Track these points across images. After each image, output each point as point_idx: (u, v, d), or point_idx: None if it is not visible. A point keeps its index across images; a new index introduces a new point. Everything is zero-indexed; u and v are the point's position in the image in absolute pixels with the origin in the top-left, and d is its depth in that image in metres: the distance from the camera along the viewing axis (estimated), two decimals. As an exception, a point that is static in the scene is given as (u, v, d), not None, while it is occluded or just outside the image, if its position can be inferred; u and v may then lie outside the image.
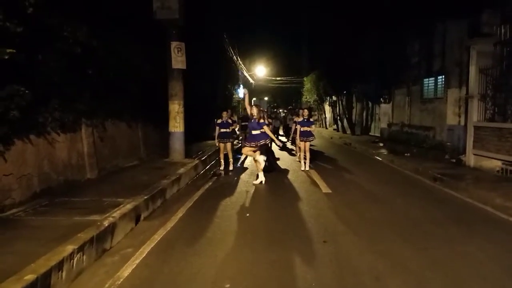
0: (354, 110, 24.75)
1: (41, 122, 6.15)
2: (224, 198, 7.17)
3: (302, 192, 7.71)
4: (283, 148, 16.21)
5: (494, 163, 9.12)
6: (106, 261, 4.18)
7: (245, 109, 9.63)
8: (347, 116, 24.87)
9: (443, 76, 13.27)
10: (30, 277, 3.09)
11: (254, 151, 8.61)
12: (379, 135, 20.12)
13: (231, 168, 10.55)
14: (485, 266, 4.10)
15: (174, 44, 10.22)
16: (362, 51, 19.12)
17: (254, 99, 47.31)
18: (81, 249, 3.85)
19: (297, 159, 11.78)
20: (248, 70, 36.12)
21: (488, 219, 5.94)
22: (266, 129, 8.57)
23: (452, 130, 12.39)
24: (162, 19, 9.94)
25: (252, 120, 8.62)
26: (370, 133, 22.33)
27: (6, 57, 4.85)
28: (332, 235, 5.07)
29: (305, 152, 10.45)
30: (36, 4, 5.30)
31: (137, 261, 4.15)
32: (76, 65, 6.81)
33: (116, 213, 4.97)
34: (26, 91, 5.28)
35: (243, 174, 9.84)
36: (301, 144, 10.64)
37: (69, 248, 3.71)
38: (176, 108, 10.48)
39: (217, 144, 10.76)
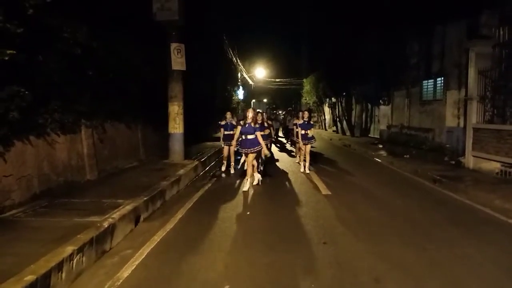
0: (353, 112, 24.78)
1: (41, 123, 6.15)
2: (223, 200, 7.17)
3: (302, 194, 7.72)
4: (283, 149, 16.24)
5: (493, 165, 9.13)
6: (105, 262, 4.18)
7: (243, 110, 9.55)
8: (346, 117, 24.90)
9: (442, 78, 13.29)
10: (30, 278, 3.09)
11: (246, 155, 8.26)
12: (378, 137, 20.13)
13: (232, 171, 10.29)
14: (484, 267, 4.11)
15: (173, 46, 10.23)
16: (361, 53, 19.15)
17: (253, 101, 47.37)
18: (80, 250, 3.85)
19: (297, 161, 11.67)
20: (248, 72, 36.19)
21: (487, 221, 5.95)
22: (258, 135, 8.02)
23: (451, 132, 12.41)
24: (162, 20, 9.96)
25: (247, 125, 8.05)
26: (369, 135, 22.35)
27: (6, 58, 4.85)
28: (332, 236, 5.08)
29: (305, 155, 10.38)
30: (36, 5, 5.31)
31: (137, 263, 4.15)
32: (76, 66, 6.81)
33: (116, 214, 4.97)
34: (26, 92, 5.29)
35: (243, 176, 9.83)
36: (302, 147, 10.52)
37: (69, 249, 3.71)
38: (175, 110, 10.49)
39: (222, 145, 10.69)
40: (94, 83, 7.51)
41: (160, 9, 9.86)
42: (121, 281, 3.70)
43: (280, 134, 21.79)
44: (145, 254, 4.41)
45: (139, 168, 9.15)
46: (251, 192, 7.83)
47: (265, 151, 8.32)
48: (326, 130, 32.17)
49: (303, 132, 10.26)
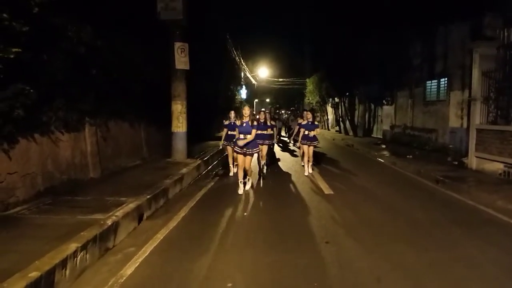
0: (356, 112, 24.77)
1: (45, 121, 6.20)
2: (226, 198, 7.20)
3: (304, 193, 7.73)
4: (285, 149, 16.25)
5: (496, 166, 9.12)
6: (109, 259, 4.21)
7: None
8: (349, 117, 24.89)
9: (446, 79, 13.27)
10: (34, 275, 3.12)
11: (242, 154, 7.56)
12: (381, 137, 20.12)
13: (235, 170, 9.66)
14: (486, 268, 4.11)
15: (177, 45, 10.26)
16: (364, 53, 19.15)
17: (256, 100, 47.38)
18: (84, 247, 3.88)
19: (302, 163, 10.60)
20: (251, 71, 36.21)
21: (490, 221, 5.94)
22: (253, 132, 7.40)
23: (454, 133, 12.39)
24: (166, 19, 10.00)
25: (244, 124, 7.46)
26: (372, 135, 22.34)
27: (12, 56, 4.89)
28: (334, 236, 5.09)
29: (308, 156, 9.94)
30: (41, 4, 5.35)
31: (140, 260, 4.18)
32: (80, 65, 6.85)
33: (119, 212, 5.00)
34: (31, 90, 5.33)
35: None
36: (305, 148, 9.92)
37: (73, 246, 3.75)
38: (179, 108, 10.52)
39: (220, 146, 10.21)
40: (98, 82, 7.55)
41: (164, 9, 9.90)
42: (124, 278, 3.73)
43: (283, 133, 21.79)
44: (148, 251, 4.44)
45: (142, 167, 9.18)
46: (254, 191, 7.84)
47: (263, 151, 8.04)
48: (329, 130, 32.16)
49: (306, 132, 9.73)
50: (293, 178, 9.52)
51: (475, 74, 9.94)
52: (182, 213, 6.11)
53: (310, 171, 9.97)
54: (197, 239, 4.89)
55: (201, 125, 15.43)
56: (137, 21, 9.24)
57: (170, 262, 4.17)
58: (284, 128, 22.17)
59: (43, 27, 5.64)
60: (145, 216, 5.73)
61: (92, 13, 7.12)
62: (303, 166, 10.27)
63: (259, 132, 8.58)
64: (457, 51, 12.37)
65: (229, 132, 9.47)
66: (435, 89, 14.22)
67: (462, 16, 11.55)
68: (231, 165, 9.74)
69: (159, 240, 4.83)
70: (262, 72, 40.43)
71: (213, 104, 18.45)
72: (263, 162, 9.82)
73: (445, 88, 13.35)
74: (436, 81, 14.12)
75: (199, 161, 10.26)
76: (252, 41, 34.20)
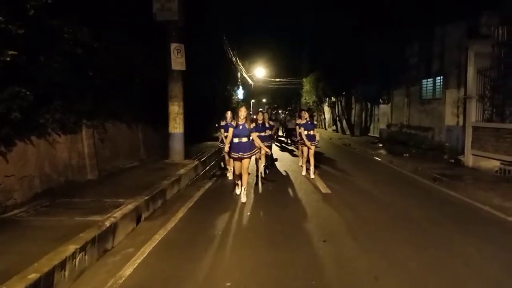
0: (353, 111, 24.82)
1: (42, 123, 6.20)
2: (224, 199, 7.21)
3: (302, 193, 7.76)
4: (284, 149, 16.27)
5: (492, 163, 9.17)
6: (107, 260, 4.22)
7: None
8: (346, 117, 24.94)
9: (442, 77, 13.34)
10: (33, 276, 3.13)
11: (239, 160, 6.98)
12: (378, 136, 20.18)
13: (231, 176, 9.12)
14: (483, 265, 4.15)
15: (173, 46, 10.27)
16: (361, 52, 19.20)
17: (253, 101, 47.38)
18: (83, 249, 3.89)
19: (300, 164, 10.47)
20: (248, 71, 36.22)
21: (487, 219, 5.98)
22: (254, 136, 7.08)
23: (450, 131, 12.45)
24: (162, 20, 10.00)
25: (240, 126, 6.93)
26: (369, 134, 22.40)
27: (8, 59, 4.89)
28: (332, 235, 5.12)
29: (308, 157, 9.45)
30: (37, 6, 5.35)
31: (138, 261, 4.19)
32: (77, 66, 6.86)
33: (117, 214, 5.01)
34: (28, 93, 5.33)
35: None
36: (305, 149, 9.53)
37: (71, 248, 3.75)
38: (176, 109, 10.53)
39: (226, 149, 9.68)
40: (95, 83, 7.55)
41: (160, 9, 9.91)
42: (123, 279, 3.74)
43: (280, 133, 21.81)
44: (147, 252, 4.44)
45: (139, 168, 9.18)
46: (251, 191, 7.85)
47: (264, 148, 7.51)
48: (326, 129, 32.20)
49: (306, 132, 9.31)
50: (291, 177, 9.54)
51: (471, 72, 9.99)
52: (180, 214, 6.12)
53: (313, 176, 9.30)
54: (195, 240, 4.90)
55: (199, 126, 15.44)
56: (134, 21, 9.24)
57: (168, 263, 4.19)
58: (281, 128, 22.19)
59: (39, 29, 5.64)
60: (143, 217, 5.74)
61: (89, 14, 7.12)
62: (301, 166, 10.03)
63: (257, 134, 8.31)
64: (453, 49, 12.43)
65: (225, 134, 8.64)
66: (431, 88, 14.28)
67: (458, 15, 11.62)
68: (228, 167, 9.19)
69: (157, 241, 4.83)
70: (259, 72, 40.48)
71: (210, 105, 18.45)
72: (262, 164, 9.45)
73: (441, 86, 13.42)
74: (432, 79, 14.19)
75: (196, 162, 10.27)
76: (248, 41, 34.22)
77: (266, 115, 10.36)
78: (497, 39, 9.36)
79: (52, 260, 3.46)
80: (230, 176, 9.04)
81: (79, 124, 7.35)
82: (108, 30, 7.83)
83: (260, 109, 11.85)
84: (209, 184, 8.68)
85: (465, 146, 10.23)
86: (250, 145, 6.97)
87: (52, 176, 6.43)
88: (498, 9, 9.75)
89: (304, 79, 33.61)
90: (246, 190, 7.01)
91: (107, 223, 4.59)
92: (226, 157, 9.06)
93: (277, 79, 38.97)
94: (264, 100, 53.14)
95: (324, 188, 8.08)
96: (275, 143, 17.27)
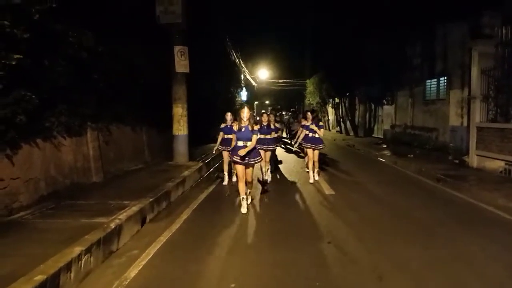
0: (357, 112, 24.80)
1: (48, 126, 6.24)
2: (228, 201, 7.24)
3: (305, 194, 7.77)
4: (288, 150, 16.27)
5: (497, 164, 9.14)
6: (113, 262, 4.25)
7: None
8: (350, 118, 24.92)
9: (445, 78, 13.30)
10: (39, 278, 3.16)
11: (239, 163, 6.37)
12: (382, 136, 20.13)
13: (235, 179, 8.71)
14: (487, 266, 4.14)
15: (177, 48, 10.31)
16: (364, 53, 19.19)
17: (256, 102, 47.41)
18: (88, 250, 3.92)
19: (306, 170, 9.67)
20: (251, 73, 36.25)
21: (491, 219, 5.97)
22: (253, 138, 6.33)
23: (455, 131, 12.41)
24: (166, 23, 10.05)
25: (243, 128, 6.33)
26: (373, 135, 22.36)
27: (14, 63, 4.95)
28: (335, 235, 5.12)
29: (313, 161, 8.94)
30: (42, 10, 5.40)
31: (143, 263, 4.21)
32: (81, 70, 6.91)
33: (122, 216, 5.04)
34: (33, 96, 5.38)
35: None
36: (310, 152, 8.98)
37: (77, 249, 3.78)
38: (179, 112, 10.57)
39: (214, 151, 9.20)
40: (99, 87, 7.60)
41: (164, 12, 9.96)
42: (128, 280, 3.77)
43: (284, 135, 21.81)
44: (152, 254, 4.47)
45: (144, 170, 9.22)
46: (255, 193, 7.84)
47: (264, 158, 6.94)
48: (329, 130, 32.17)
49: (310, 135, 8.86)
50: (294, 179, 9.54)
51: (474, 72, 9.97)
52: (185, 216, 6.14)
53: (316, 177, 9.04)
54: (200, 241, 4.92)
55: (202, 128, 15.46)
56: (138, 25, 9.30)
57: (173, 264, 4.21)
58: (285, 130, 22.19)
59: (44, 33, 5.70)
60: (148, 219, 5.77)
61: (93, 18, 7.18)
62: (307, 172, 9.30)
63: (262, 136, 8.27)
64: (456, 50, 12.39)
65: (225, 136, 8.50)
66: (435, 88, 14.24)
67: (461, 15, 11.59)
68: (225, 173, 8.85)
69: (162, 243, 4.86)
70: (262, 73, 40.49)
71: (213, 107, 18.48)
72: (266, 168, 9.04)
73: (445, 87, 13.37)
74: (435, 80, 14.15)
75: (200, 164, 10.30)
76: (252, 43, 34.22)
77: (271, 117, 9.74)
78: (501, 39, 9.34)
79: (58, 262, 3.49)
80: (226, 180, 8.82)
81: (84, 127, 7.40)
82: (112, 34, 7.88)
83: (263, 111, 11.49)
84: (214, 186, 8.71)
85: (469, 146, 10.20)
86: (255, 151, 6.43)
87: (58, 179, 6.48)
88: (501, 8, 9.72)
89: (307, 80, 33.60)
90: (249, 198, 6.50)
91: (112, 225, 4.63)
92: (225, 160, 8.83)
93: (281, 81, 38.98)
94: (267, 102, 53.14)
95: (327, 189, 8.09)
96: (280, 145, 17.27)
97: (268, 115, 9.54)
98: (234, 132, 6.42)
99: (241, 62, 29.58)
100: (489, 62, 9.61)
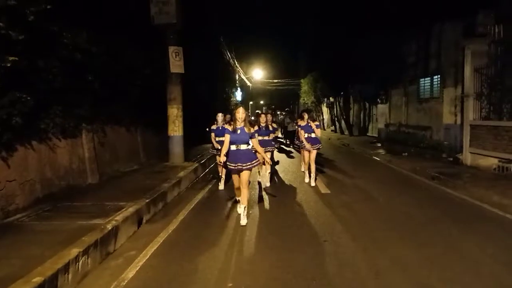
0: (351, 111, 24.91)
1: (43, 128, 6.22)
2: (224, 201, 7.24)
3: (302, 193, 7.80)
4: (281, 150, 16.30)
5: (490, 161, 9.22)
6: (110, 263, 4.25)
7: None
8: (344, 117, 25.01)
9: (439, 76, 13.41)
10: (38, 280, 3.16)
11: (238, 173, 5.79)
12: (376, 135, 20.24)
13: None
14: (482, 262, 4.19)
15: (172, 49, 10.30)
16: (358, 52, 19.27)
17: (251, 103, 47.41)
18: (85, 252, 3.92)
19: (302, 170, 9.62)
20: (246, 73, 36.25)
21: (485, 216, 6.03)
22: (254, 142, 5.87)
23: (448, 129, 12.51)
24: (160, 24, 10.04)
25: (238, 130, 5.70)
26: (368, 134, 22.47)
27: (9, 65, 4.93)
28: (332, 234, 5.15)
29: (310, 161, 8.59)
30: (36, 11, 5.38)
31: (141, 263, 4.22)
32: (76, 71, 6.89)
33: (119, 217, 5.04)
34: (28, 98, 5.36)
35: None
36: (306, 153, 8.71)
37: (74, 251, 3.78)
38: (175, 112, 10.56)
39: (211, 151, 8.86)
40: (94, 88, 7.57)
41: (158, 13, 9.95)
42: (126, 281, 3.78)
43: (279, 135, 21.86)
44: (149, 255, 4.48)
45: (140, 171, 9.21)
46: (251, 193, 7.84)
47: (266, 159, 6.56)
48: (324, 129, 32.25)
49: (306, 135, 8.52)
50: (290, 178, 9.58)
51: (467, 70, 10.06)
52: (181, 216, 6.15)
53: (313, 184, 8.52)
54: (197, 241, 4.94)
55: (197, 128, 15.46)
56: (133, 25, 9.29)
57: (170, 264, 4.22)
58: (280, 130, 22.23)
59: (39, 35, 5.68)
60: (144, 220, 5.77)
61: (87, 19, 7.16)
62: (304, 172, 9.21)
63: (260, 138, 7.87)
64: (450, 48, 12.51)
65: (217, 139, 8.16)
66: (429, 87, 14.35)
67: (455, 15, 11.70)
68: (222, 175, 8.40)
69: (159, 243, 4.87)
70: (257, 73, 40.51)
71: (208, 107, 18.48)
72: (268, 172, 8.61)
73: (439, 85, 13.49)
74: (429, 78, 14.26)
75: (196, 164, 10.30)
76: (246, 43, 34.30)
77: (269, 117, 9.21)
78: (494, 37, 9.43)
79: (56, 263, 3.49)
80: (221, 186, 8.37)
81: (79, 129, 7.39)
82: (106, 34, 7.87)
83: (258, 111, 11.25)
84: (210, 186, 8.71)
85: (463, 144, 10.29)
86: (251, 154, 5.78)
87: (53, 181, 6.46)
88: (494, 7, 9.82)
89: (302, 80, 33.67)
90: (247, 209, 5.87)
91: (109, 226, 4.62)
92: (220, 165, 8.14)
93: (275, 81, 39.03)
94: (262, 102, 53.19)
95: (323, 189, 8.12)
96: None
97: (266, 115, 9.14)
98: (228, 133, 5.71)
99: (236, 62, 29.58)
100: (482, 61, 9.71)
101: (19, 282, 3.11)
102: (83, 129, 7.52)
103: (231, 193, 7.72)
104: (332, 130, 28.88)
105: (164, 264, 4.25)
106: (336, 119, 27.26)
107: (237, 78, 32.69)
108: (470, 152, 9.93)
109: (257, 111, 12.55)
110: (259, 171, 8.53)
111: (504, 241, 4.85)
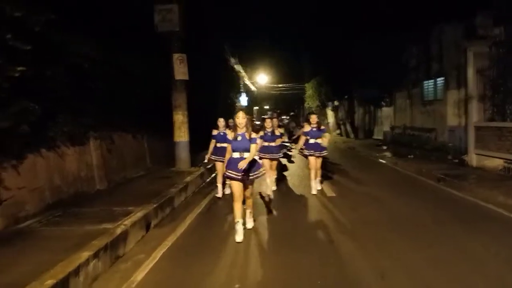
0: (356, 115, 24.92)
1: (51, 136, 6.35)
2: (231, 205, 7.21)
3: (308, 197, 7.84)
4: (286, 155, 16.31)
5: (496, 162, 9.22)
6: (120, 267, 4.34)
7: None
8: (349, 120, 25.04)
9: (443, 78, 13.41)
10: (50, 282, 3.25)
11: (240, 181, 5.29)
12: (382, 138, 20.22)
13: (226, 191, 8.12)
14: (487, 262, 4.23)
15: (176, 56, 10.44)
16: (361, 56, 19.32)
17: (256, 107, 47.47)
18: (96, 255, 4.01)
19: (311, 180, 8.28)
20: (250, 78, 36.40)
21: (491, 217, 6.05)
22: (252, 148, 5.23)
23: (453, 131, 12.50)
24: (164, 31, 10.19)
25: (239, 138, 5.27)
26: (373, 137, 22.45)
27: (17, 75, 5.07)
28: (337, 236, 5.21)
29: (315, 169, 8.11)
30: (42, 22, 5.53)
31: (150, 266, 4.31)
32: (83, 79, 7.03)
33: (127, 221, 5.13)
34: (36, 107, 5.49)
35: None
36: (312, 160, 8.05)
37: (85, 254, 3.88)
38: (180, 119, 10.68)
39: (206, 160, 8.37)
40: (100, 96, 7.71)
41: (162, 21, 10.11)
42: (135, 283, 3.86)
43: (285, 139, 21.89)
44: (158, 258, 4.56)
45: (147, 177, 9.31)
46: (257, 197, 7.87)
47: (266, 169, 5.96)
48: (329, 133, 32.29)
49: (312, 141, 7.98)
50: (295, 182, 9.64)
51: (470, 72, 10.09)
52: (189, 221, 6.24)
53: (319, 187, 8.26)
54: (204, 244, 5.02)
55: (202, 134, 15.56)
56: (138, 34, 9.43)
57: (179, 267, 4.30)
58: (285, 135, 22.31)
59: (45, 44, 5.82)
60: (152, 225, 5.86)
61: (93, 28, 7.31)
62: (311, 183, 8.22)
63: (266, 144, 7.89)
64: (452, 50, 12.51)
65: (218, 145, 7.73)
66: (432, 89, 14.35)
67: (457, 17, 11.73)
68: (219, 184, 8.05)
69: (167, 247, 4.95)
70: (261, 78, 40.65)
71: (213, 113, 18.61)
72: (271, 178, 8.33)
73: (442, 87, 13.48)
74: (432, 81, 14.26)
75: (202, 169, 10.39)
76: (250, 48, 34.34)
77: (275, 121, 8.82)
78: (495, 38, 9.47)
79: (67, 267, 3.58)
80: (220, 193, 8.01)
81: (87, 136, 7.51)
82: (112, 43, 8.02)
83: (263, 116, 10.66)
84: (216, 191, 8.76)
85: (468, 146, 10.29)
86: (253, 162, 5.34)
87: (62, 187, 6.57)
88: (494, 9, 9.86)
89: (306, 84, 33.78)
90: (251, 220, 5.61)
91: (118, 231, 4.72)
92: (219, 171, 7.97)
93: (280, 85, 39.15)
94: (266, 107, 53.26)
95: (329, 192, 8.17)
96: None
97: (271, 119, 8.70)
98: (229, 142, 5.35)
99: (240, 68, 29.75)
100: (484, 62, 9.73)
101: (32, 284, 3.21)
102: (91, 137, 7.64)
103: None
104: (338, 134, 28.86)
105: (172, 267, 4.33)
106: (341, 122, 27.29)
107: (241, 83, 32.85)
108: (475, 154, 9.93)
109: (262, 116, 12.29)
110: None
111: (510, 241, 4.87)
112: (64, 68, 6.48)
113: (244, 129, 5.25)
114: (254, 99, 43.58)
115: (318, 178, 8.31)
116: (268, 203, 7.38)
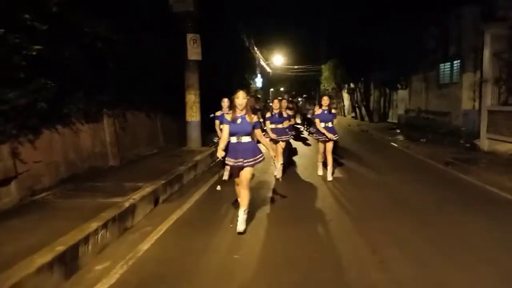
0: (371, 97, 24.69)
1: (66, 112, 6.60)
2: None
3: (314, 177, 7.96)
4: (298, 137, 16.37)
5: (507, 147, 9.14)
6: (127, 237, 4.59)
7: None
8: (364, 103, 24.83)
9: (459, 61, 13.21)
10: (60, 248, 3.49)
11: (238, 171, 4.96)
12: (396, 121, 20.08)
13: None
14: (482, 242, 4.31)
15: (189, 36, 10.55)
16: (378, 39, 19.02)
17: (272, 89, 47.33)
18: (104, 226, 4.25)
19: (318, 162, 8.39)
20: (266, 59, 36.22)
21: (497, 201, 6.06)
22: (257, 133, 4.95)
23: (467, 115, 12.38)
24: (178, 12, 10.28)
25: (239, 120, 4.79)
26: (388, 120, 22.29)
27: (34, 53, 5.27)
28: (338, 214, 5.37)
29: (327, 154, 7.79)
30: (59, 2, 5.71)
31: (156, 238, 4.55)
32: (98, 58, 7.22)
33: (136, 196, 5.37)
34: (52, 84, 5.72)
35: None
36: (321, 145, 7.98)
37: (94, 225, 4.12)
38: (192, 98, 10.86)
39: (216, 140, 8.19)
40: (115, 75, 7.91)
41: (176, 1, 10.20)
42: (141, 252, 4.11)
43: (298, 120, 21.91)
44: (163, 230, 4.80)
45: (158, 155, 9.57)
46: (263, 176, 8.06)
47: (271, 152, 5.33)
48: (345, 116, 32.08)
49: (323, 125, 7.63)
50: (304, 163, 9.76)
51: (486, 55, 9.92)
52: (196, 197, 6.47)
53: (330, 177, 7.68)
54: (209, 219, 5.24)
55: (215, 115, 15.71)
56: (152, 14, 9.55)
57: (183, 239, 4.53)
58: (299, 116, 22.27)
59: (61, 24, 6.00)
60: (161, 200, 6.10)
61: (108, 8, 7.45)
62: (318, 163, 8.34)
63: (273, 126, 7.80)
64: (469, 33, 12.28)
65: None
66: (448, 72, 14.16)
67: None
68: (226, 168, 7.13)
69: (173, 221, 5.19)
70: (277, 60, 40.40)
71: (228, 94, 18.70)
72: (280, 162, 7.99)
73: (458, 70, 13.29)
74: (449, 63, 14.06)
75: (213, 149, 10.56)
76: (266, 28, 34.04)
77: (284, 103, 8.43)
78: (513, 21, 9.26)
79: (77, 235, 3.83)
80: (226, 176, 7.18)
81: (101, 114, 7.76)
82: (127, 23, 8.16)
83: (279, 97, 9.99)
84: (224, 170, 8.95)
85: (480, 130, 10.20)
86: (254, 148, 4.88)
87: (77, 163, 6.86)
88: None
89: (322, 66, 33.40)
90: (247, 211, 4.88)
91: (127, 204, 4.95)
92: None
93: (296, 67, 38.82)
94: (282, 89, 53.00)
95: (336, 173, 8.25)
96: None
97: (280, 101, 8.39)
98: (227, 122, 4.83)
99: (256, 48, 29.62)
100: (502, 45, 9.55)
101: (44, 249, 3.45)
102: (105, 114, 7.88)
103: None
104: (352, 117, 28.68)
105: (176, 239, 4.55)
106: (356, 105, 27.08)
107: (256, 64, 32.73)
108: (487, 138, 9.86)
109: (278, 97, 11.66)
110: (274, 162, 7.06)
111: (507, 223, 4.94)
112: (80, 47, 6.67)
113: (244, 111, 4.80)
114: (269, 81, 43.41)
115: (330, 166, 7.74)
116: (274, 183, 7.54)
